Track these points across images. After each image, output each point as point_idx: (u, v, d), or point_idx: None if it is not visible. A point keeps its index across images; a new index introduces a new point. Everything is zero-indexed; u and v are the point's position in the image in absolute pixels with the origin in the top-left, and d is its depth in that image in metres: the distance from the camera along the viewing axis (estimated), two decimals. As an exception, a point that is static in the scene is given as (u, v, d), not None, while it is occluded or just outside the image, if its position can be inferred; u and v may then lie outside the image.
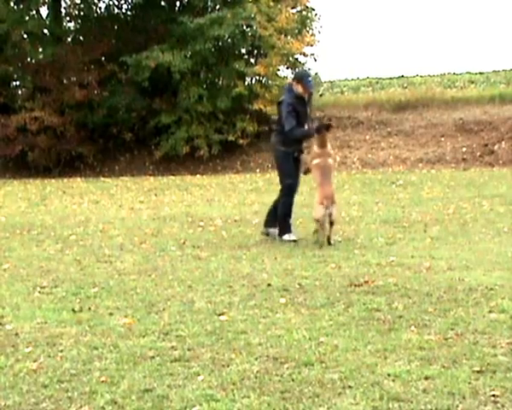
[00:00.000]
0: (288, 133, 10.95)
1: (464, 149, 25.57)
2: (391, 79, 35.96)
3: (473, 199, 15.50)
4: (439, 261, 9.01)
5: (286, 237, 11.11)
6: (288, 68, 28.83)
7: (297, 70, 9.92)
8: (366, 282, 7.90)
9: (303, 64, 28.90)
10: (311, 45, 28.84)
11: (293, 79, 11.32)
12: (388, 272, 8.44)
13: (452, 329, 6.10)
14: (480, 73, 34.88)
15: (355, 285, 7.79)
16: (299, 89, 11.00)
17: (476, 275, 8.12)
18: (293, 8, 28.84)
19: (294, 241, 10.95)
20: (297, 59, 28.81)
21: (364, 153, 26.53)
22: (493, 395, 4.67)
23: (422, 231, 11.55)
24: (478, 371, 5.08)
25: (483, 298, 7.08)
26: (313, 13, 29.23)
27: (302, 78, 11.17)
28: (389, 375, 5.08)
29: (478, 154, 25.26)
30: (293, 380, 5.07)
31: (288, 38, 27.93)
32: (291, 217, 11.28)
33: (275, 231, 11.30)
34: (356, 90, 34.07)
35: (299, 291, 7.65)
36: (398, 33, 69.35)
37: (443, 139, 26.37)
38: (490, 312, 6.59)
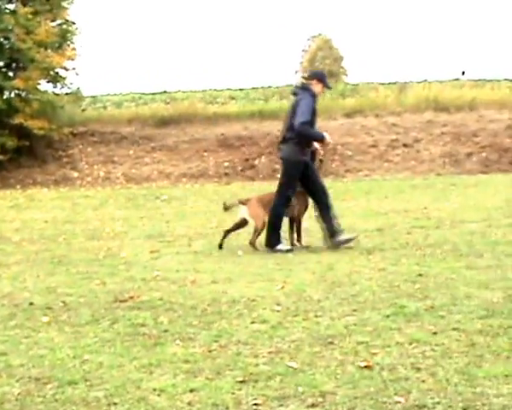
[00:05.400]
0: (299, 126, 10.54)
1: (226, 164, 26.15)
2: (154, 94, 36.20)
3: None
4: (203, 275, 9.14)
5: (279, 247, 10.85)
6: (48, 82, 28.26)
7: (315, 70, 9.55)
8: (131, 297, 7.88)
9: (64, 78, 28.44)
10: (72, 59, 28.43)
11: (313, 78, 10.92)
12: (153, 287, 8.46)
13: (216, 341, 6.19)
14: (240, 90, 35.89)
15: (120, 301, 7.75)
16: (317, 88, 10.80)
17: (239, 287, 8.31)
18: (53, 21, 28.27)
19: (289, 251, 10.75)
20: (57, 73, 28.30)
21: (128, 168, 26.46)
22: (255, 404, 4.78)
23: (187, 245, 11.68)
24: (241, 382, 5.18)
25: (246, 309, 7.25)
26: (74, 27, 28.87)
27: (323, 77, 10.93)
28: (155, 390, 5.07)
29: (239, 168, 25.91)
30: (56, 400, 4.95)
31: (49, 51, 27.36)
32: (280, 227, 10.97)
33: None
34: (119, 106, 33.98)
35: (62, 309, 7.50)
36: (149, 51, 69.86)
37: (206, 154, 26.82)
38: (252, 322, 6.75)
